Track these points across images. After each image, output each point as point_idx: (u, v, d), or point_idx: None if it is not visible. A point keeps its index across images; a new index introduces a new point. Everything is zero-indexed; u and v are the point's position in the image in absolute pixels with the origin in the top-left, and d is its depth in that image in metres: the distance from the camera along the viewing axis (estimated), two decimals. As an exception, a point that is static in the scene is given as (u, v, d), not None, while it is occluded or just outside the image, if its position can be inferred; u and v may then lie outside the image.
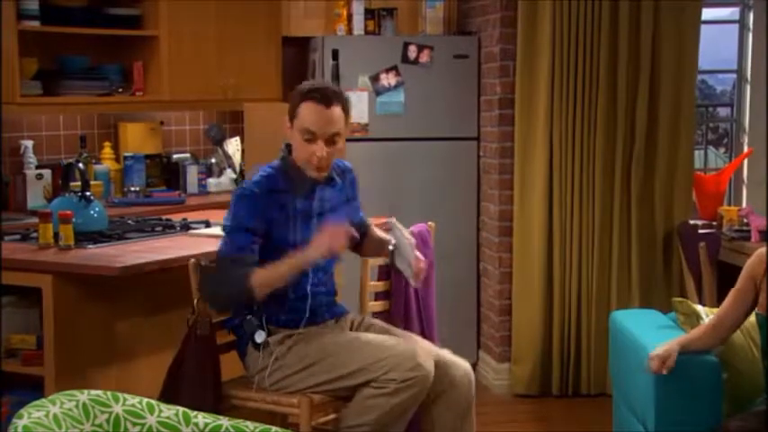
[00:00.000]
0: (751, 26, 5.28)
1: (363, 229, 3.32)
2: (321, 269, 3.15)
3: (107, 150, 4.95)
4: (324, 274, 3.18)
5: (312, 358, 3.04)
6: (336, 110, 3.01)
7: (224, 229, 3.05)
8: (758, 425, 2.91)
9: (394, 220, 3.28)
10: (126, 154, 4.95)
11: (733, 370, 3.20)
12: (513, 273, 5.03)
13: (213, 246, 3.44)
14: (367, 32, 5.31)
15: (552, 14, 4.85)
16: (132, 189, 4.86)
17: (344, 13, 5.31)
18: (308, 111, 2.99)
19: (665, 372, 3.00)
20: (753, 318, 3.13)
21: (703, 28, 5.02)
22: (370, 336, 3.12)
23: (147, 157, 5.02)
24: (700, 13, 4.98)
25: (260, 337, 3.06)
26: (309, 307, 3.11)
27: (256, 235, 2.99)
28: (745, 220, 4.75)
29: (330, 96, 3.00)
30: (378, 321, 3.33)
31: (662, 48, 4.92)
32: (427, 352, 3.05)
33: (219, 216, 4.14)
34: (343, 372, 2.99)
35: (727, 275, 3.92)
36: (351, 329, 3.24)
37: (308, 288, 3.11)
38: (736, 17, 5.36)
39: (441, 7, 5.35)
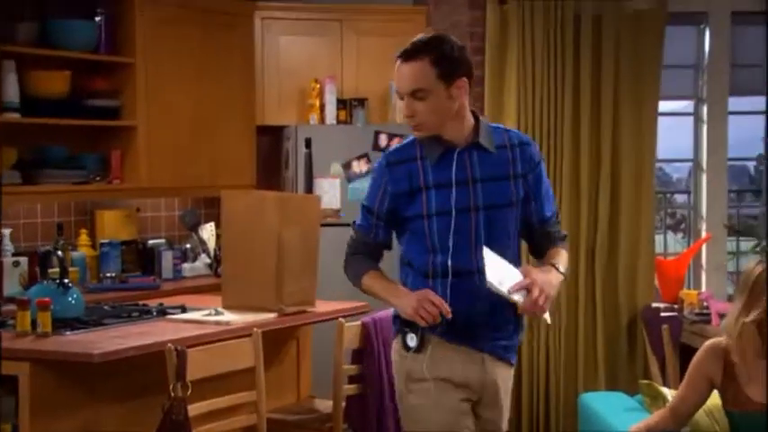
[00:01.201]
0: (705, 118, 5.42)
1: (539, 226, 2.85)
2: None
3: (83, 237, 4.92)
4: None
5: (405, 386, 2.75)
6: (416, 64, 2.66)
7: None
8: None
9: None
10: (102, 241, 4.93)
11: (699, 452, 3.21)
12: (482, 355, 5.03)
13: (190, 331, 3.45)
14: (339, 122, 5.38)
15: (517, 105, 4.97)
16: (108, 275, 4.82)
17: (317, 103, 5.39)
18: (395, 68, 2.73)
19: None
20: (716, 399, 3.14)
21: (660, 119, 5.17)
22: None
23: (122, 243, 4.99)
24: (657, 106, 5.13)
25: (411, 341, 2.72)
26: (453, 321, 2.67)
27: (378, 217, 2.79)
28: (705, 304, 4.81)
29: (411, 50, 2.68)
30: (496, 420, 2.83)
31: (622, 139, 5.05)
32: None
33: (195, 301, 4.14)
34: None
35: (689, 357, 3.94)
36: (478, 397, 2.78)
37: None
38: (691, 110, 5.50)
39: (410, 98, 5.43)
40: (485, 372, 2.76)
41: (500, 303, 2.69)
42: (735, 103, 5.47)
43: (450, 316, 2.63)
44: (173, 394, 3.05)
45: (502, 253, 2.72)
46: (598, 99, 5.05)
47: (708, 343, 3.05)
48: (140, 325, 3.57)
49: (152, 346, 3.21)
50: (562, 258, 2.84)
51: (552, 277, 2.73)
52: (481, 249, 2.67)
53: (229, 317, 3.63)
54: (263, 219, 3.74)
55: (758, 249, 5.23)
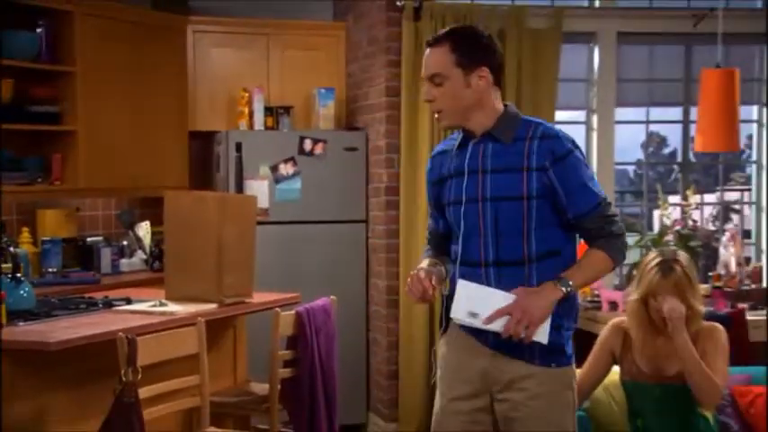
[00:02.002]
0: (595, 126, 5.65)
1: (575, 222, 2.54)
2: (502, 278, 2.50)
3: (25, 235, 4.87)
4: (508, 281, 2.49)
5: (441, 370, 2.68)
6: (437, 50, 2.54)
7: None
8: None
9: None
10: (44, 238, 4.88)
11: (598, 423, 3.39)
12: (400, 341, 5.15)
13: (138, 321, 3.46)
14: (267, 127, 5.43)
15: (431, 114, 5.09)
16: (50, 270, 4.79)
17: (246, 110, 5.43)
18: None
19: None
20: (613, 377, 3.33)
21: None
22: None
23: (63, 240, 4.96)
24: (553, 116, 5.34)
25: (442, 324, 2.67)
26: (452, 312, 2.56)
27: (432, 207, 2.71)
28: (596, 293, 5.02)
29: (436, 36, 2.57)
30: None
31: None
32: None
33: (133, 294, 4.14)
34: None
35: (582, 340, 4.12)
36: (485, 392, 2.59)
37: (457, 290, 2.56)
38: (583, 119, 5.73)
39: (332, 106, 5.52)
40: (490, 367, 2.56)
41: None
42: (620, 113, 5.72)
43: (429, 294, 2.52)
44: (124, 379, 3.07)
45: (512, 248, 2.50)
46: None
47: (612, 321, 3.26)
48: (89, 316, 3.57)
49: (104, 335, 3.22)
50: (583, 267, 2.54)
51: (543, 296, 2.44)
52: (488, 242, 2.51)
53: (174, 308, 3.66)
54: (204, 217, 3.77)
55: (641, 243, 5.47)
